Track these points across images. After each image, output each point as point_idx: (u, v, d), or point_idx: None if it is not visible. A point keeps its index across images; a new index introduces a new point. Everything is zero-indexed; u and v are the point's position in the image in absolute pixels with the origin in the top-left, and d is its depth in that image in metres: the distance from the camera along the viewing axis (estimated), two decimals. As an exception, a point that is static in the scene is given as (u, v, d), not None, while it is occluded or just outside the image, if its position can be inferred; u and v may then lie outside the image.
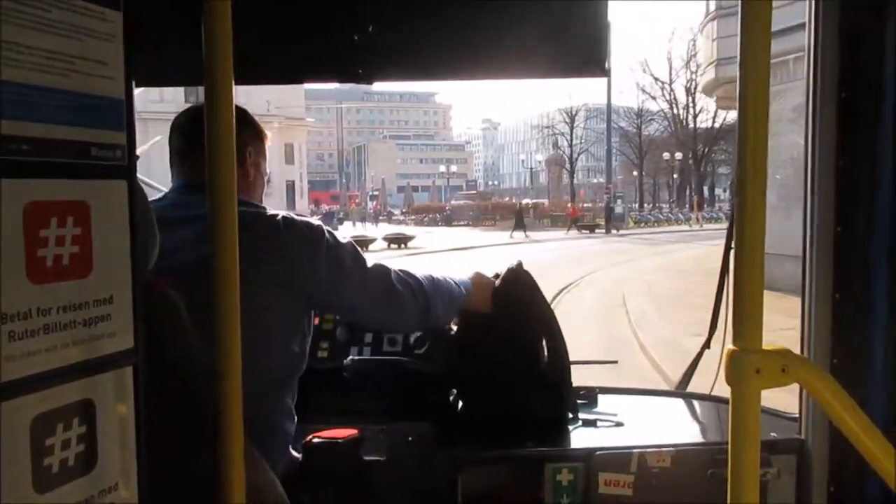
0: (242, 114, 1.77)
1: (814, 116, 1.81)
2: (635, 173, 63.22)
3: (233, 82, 0.91)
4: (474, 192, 78.71)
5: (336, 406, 1.94)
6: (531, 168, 74.49)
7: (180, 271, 1.19)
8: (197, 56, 0.89)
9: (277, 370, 1.72)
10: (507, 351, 2.07)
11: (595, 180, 79.28)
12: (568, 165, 64.69)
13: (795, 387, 1.85)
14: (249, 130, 1.82)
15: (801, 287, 1.85)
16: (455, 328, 2.19)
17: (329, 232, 1.79)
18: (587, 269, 17.51)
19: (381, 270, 1.84)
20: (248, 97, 27.83)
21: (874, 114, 1.74)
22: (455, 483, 1.89)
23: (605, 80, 39.05)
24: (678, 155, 54.40)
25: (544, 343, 2.12)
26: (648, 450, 1.91)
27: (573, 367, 2.15)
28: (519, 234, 34.68)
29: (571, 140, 63.47)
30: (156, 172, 2.29)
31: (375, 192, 69.16)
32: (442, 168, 78.18)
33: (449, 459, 1.92)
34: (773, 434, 1.94)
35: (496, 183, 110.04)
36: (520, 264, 2.14)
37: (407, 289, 1.85)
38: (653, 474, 1.89)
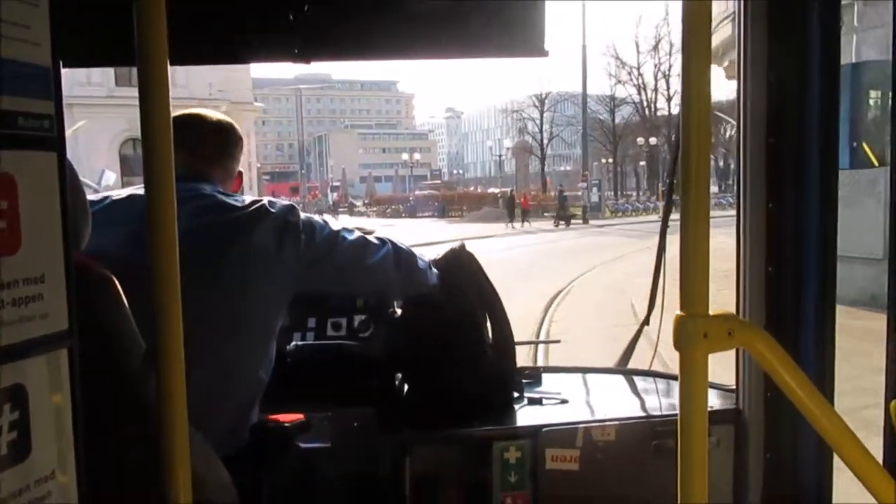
0: (237, 131, 1.88)
1: (744, 98, 1.88)
2: (604, 160, 60.68)
3: (167, 62, 0.88)
4: (439, 181, 76.23)
5: (279, 393, 1.92)
6: (500, 155, 68.83)
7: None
8: (128, 35, 0.87)
9: (252, 355, 1.69)
10: (451, 333, 2.08)
11: (562, 168, 77.60)
12: (538, 152, 61.34)
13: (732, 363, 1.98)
14: (238, 143, 1.90)
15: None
16: (399, 311, 2.19)
17: (303, 214, 1.79)
18: (575, 270, 14.21)
19: (360, 242, 1.85)
20: (189, 79, 26.25)
21: (800, 95, 1.81)
22: (402, 466, 1.91)
23: (580, 63, 38.95)
24: (653, 140, 52.12)
25: (488, 324, 2.13)
26: (593, 425, 1.96)
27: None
28: (516, 224, 32.55)
29: (542, 124, 60.00)
30: (80, 160, 2.22)
31: (337, 184, 66.05)
32: (405, 156, 72.64)
33: (395, 443, 1.93)
34: (711, 405, 2.00)
35: (460, 172, 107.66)
36: (462, 246, 2.15)
37: (387, 259, 1.87)
38: (598, 448, 1.95)
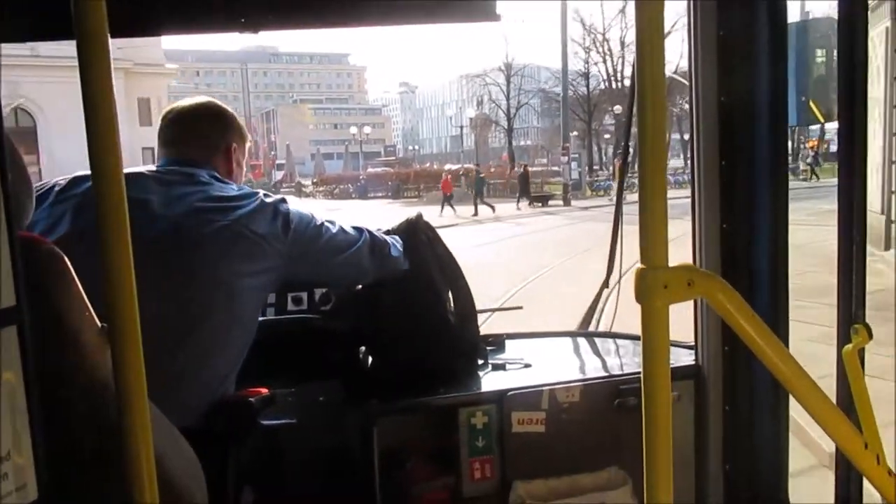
0: (231, 116, 1.92)
1: (695, 56, 1.91)
2: (574, 133, 53.01)
3: (108, 35, 0.85)
4: (393, 158, 72.29)
5: (243, 370, 1.90)
6: (461, 126, 60.79)
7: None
8: (66, 7, 0.83)
9: (241, 339, 1.70)
10: (413, 303, 2.08)
11: (523, 143, 71.24)
12: (502, 123, 55.68)
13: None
14: (235, 132, 1.91)
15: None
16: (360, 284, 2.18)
17: (292, 207, 1.82)
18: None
19: (340, 234, 1.87)
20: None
21: (748, 51, 1.84)
22: (370, 436, 1.91)
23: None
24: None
25: (450, 293, 2.14)
26: (557, 386, 1.99)
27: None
28: (524, 205, 28.26)
29: (508, 90, 53.94)
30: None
31: (282, 161, 60.38)
32: (353, 130, 65.57)
33: (361, 415, 1.93)
34: (672, 362, 2.04)
35: (416, 148, 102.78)
36: (419, 216, 2.15)
37: (365, 249, 1.91)
38: (563, 409, 1.98)
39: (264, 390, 1.67)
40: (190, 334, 1.55)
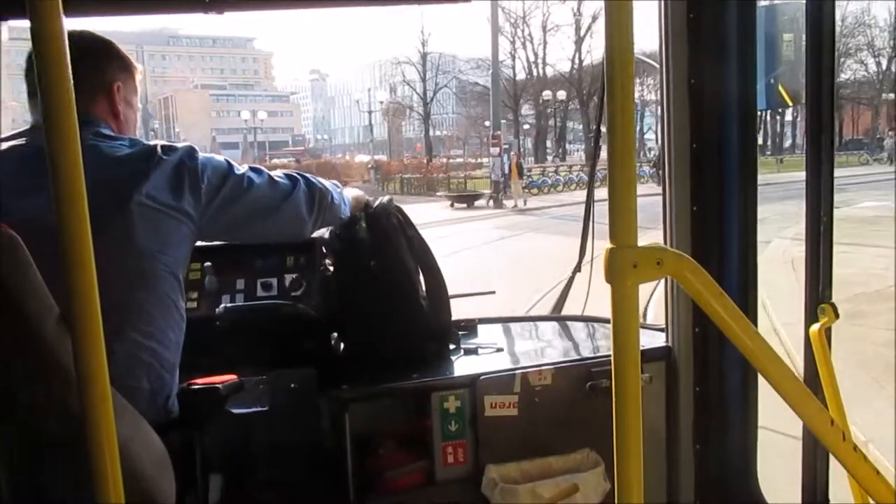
0: (107, 45, 1.62)
1: (666, 39, 1.91)
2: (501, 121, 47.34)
3: (61, 15, 0.82)
4: (302, 148, 68.22)
5: (211, 359, 1.87)
6: (369, 112, 50.38)
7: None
8: None
9: (161, 311, 1.53)
10: (384, 287, 2.07)
11: (438, 133, 64.07)
12: (417, 110, 51.17)
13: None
14: (116, 63, 1.63)
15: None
16: (331, 269, 2.16)
17: (203, 156, 1.63)
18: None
19: (269, 184, 1.72)
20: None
21: (718, 34, 1.85)
22: (342, 422, 1.90)
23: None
24: (561, 94, 44.82)
25: (421, 277, 2.13)
26: (530, 370, 1.99)
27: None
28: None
29: (424, 72, 49.38)
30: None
31: None
32: (245, 115, 58.32)
33: (333, 400, 1.92)
34: (642, 344, 2.06)
35: (325, 138, 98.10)
36: (390, 200, 2.13)
37: (299, 195, 1.76)
38: (535, 392, 1.98)
39: (233, 376, 1.65)
40: (112, 328, 1.40)
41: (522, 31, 47.61)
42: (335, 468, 1.92)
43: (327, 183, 1.87)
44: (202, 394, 1.59)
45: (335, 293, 2.11)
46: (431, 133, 58.26)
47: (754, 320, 1.87)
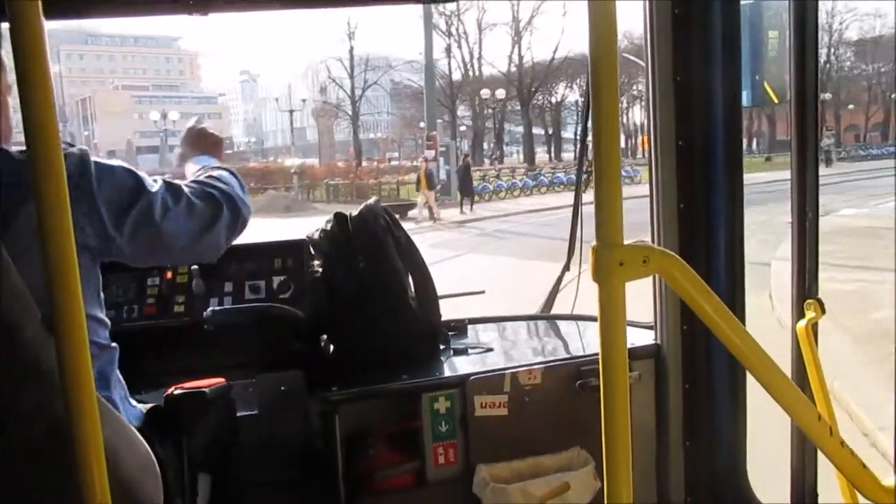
0: None
1: (651, 36, 1.91)
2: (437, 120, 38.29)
3: (41, 18, 0.81)
4: (230, 151, 55.24)
5: (200, 363, 1.86)
6: (290, 111, 45.62)
7: None
8: None
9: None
10: (373, 289, 2.07)
11: (371, 135, 61.75)
12: (346, 109, 46.67)
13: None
14: None
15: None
16: (319, 270, 2.16)
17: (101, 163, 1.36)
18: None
19: (185, 209, 1.47)
20: None
21: (703, 30, 1.86)
22: (332, 424, 1.89)
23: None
24: (500, 92, 41.30)
25: (410, 279, 2.14)
26: (520, 369, 1.99)
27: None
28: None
29: (352, 68, 44.67)
30: None
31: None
32: (154, 116, 50.56)
33: (323, 402, 1.91)
34: (632, 342, 2.08)
35: (252, 141, 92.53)
36: (377, 201, 2.14)
37: (215, 207, 1.52)
38: (525, 391, 1.99)
39: (220, 380, 1.65)
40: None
41: (457, 28, 44.56)
42: (326, 470, 1.92)
43: (241, 191, 1.61)
44: (188, 398, 1.58)
45: (324, 295, 2.10)
46: (366, 135, 56.29)
47: (742, 316, 1.88)
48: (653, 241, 1.98)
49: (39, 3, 0.79)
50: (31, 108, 0.81)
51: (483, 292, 2.82)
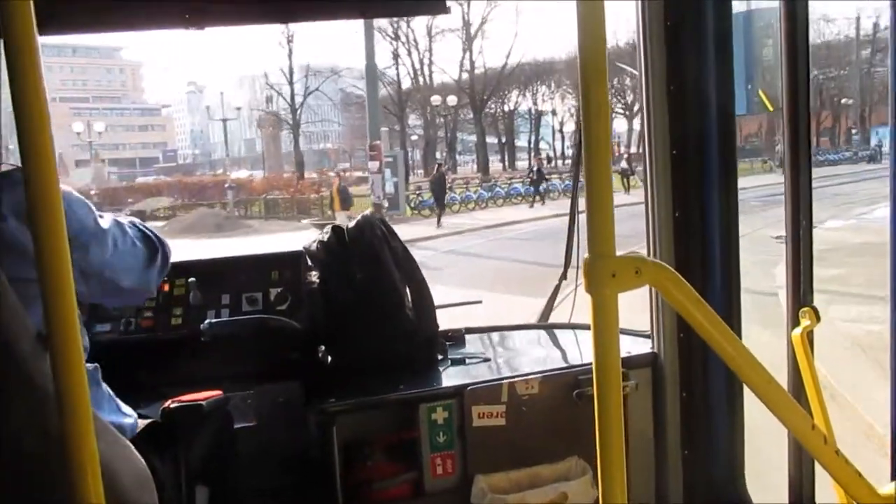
0: None
1: (644, 45, 1.92)
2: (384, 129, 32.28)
3: (35, 33, 0.81)
4: (174, 164, 60.80)
5: (198, 375, 1.86)
6: (224, 119, 43.68)
7: None
8: None
9: None
10: (370, 299, 2.07)
11: (318, 146, 58.76)
12: (287, 129, 43.91)
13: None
14: None
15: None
16: (316, 281, 2.16)
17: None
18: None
19: (133, 251, 1.46)
20: None
21: (696, 40, 1.87)
22: (330, 434, 1.89)
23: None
24: (451, 99, 38.83)
25: (408, 289, 2.14)
26: (517, 379, 1.99)
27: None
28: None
29: (291, 74, 41.56)
30: None
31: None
32: (78, 127, 45.98)
33: (320, 412, 1.91)
34: (628, 351, 2.08)
35: (199, 153, 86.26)
36: (373, 212, 2.15)
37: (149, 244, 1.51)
38: (523, 401, 1.98)
39: (217, 392, 1.65)
40: None
41: (407, 34, 41.50)
42: (323, 481, 1.91)
43: (157, 233, 1.57)
44: (184, 411, 1.58)
45: (321, 306, 2.11)
46: (317, 146, 53.79)
47: (738, 325, 1.88)
48: (648, 249, 1.98)
49: (34, 19, 0.80)
50: (25, 123, 0.81)
51: (480, 302, 2.82)
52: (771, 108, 2.67)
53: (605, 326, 0.86)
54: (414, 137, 45.67)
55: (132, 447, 1.20)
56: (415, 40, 41.70)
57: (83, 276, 1.31)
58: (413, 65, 42.77)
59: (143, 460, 1.21)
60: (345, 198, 18.67)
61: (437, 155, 43.27)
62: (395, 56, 41.61)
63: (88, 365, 1.40)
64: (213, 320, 2.06)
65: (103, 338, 2.05)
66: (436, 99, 39.39)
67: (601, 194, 0.86)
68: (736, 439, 1.98)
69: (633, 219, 2.47)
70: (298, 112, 43.25)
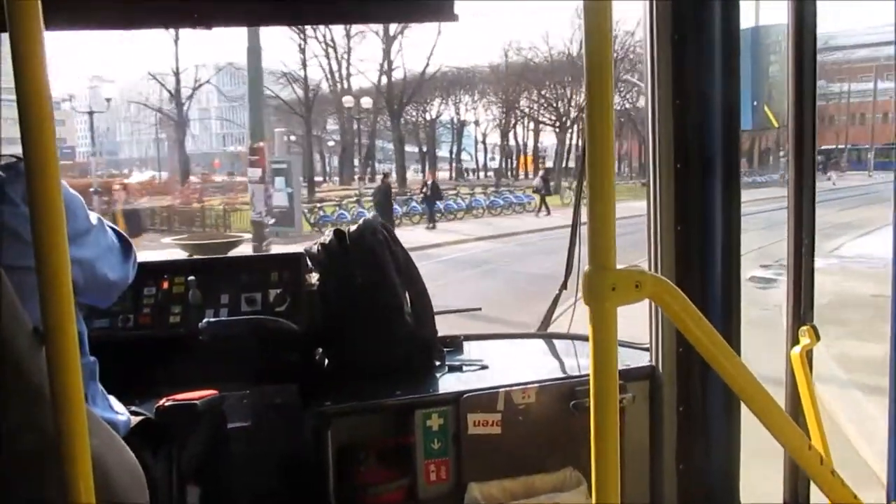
0: None
1: (651, 58, 1.92)
2: (288, 138, 29.88)
3: (42, 28, 0.81)
4: (70, 162, 49.15)
5: (194, 374, 1.85)
6: (90, 112, 36.02)
7: None
8: None
9: None
10: (369, 303, 2.07)
11: (233, 148, 51.66)
12: (213, 128, 41.35)
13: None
14: None
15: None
16: (316, 284, 2.16)
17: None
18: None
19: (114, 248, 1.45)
20: None
21: (702, 54, 1.87)
22: (324, 438, 1.89)
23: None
24: (366, 101, 36.97)
25: (407, 294, 2.14)
26: (514, 388, 1.99)
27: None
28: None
29: (178, 68, 36.63)
30: None
31: None
32: None
33: (316, 416, 1.91)
34: (627, 363, 2.07)
35: (98, 153, 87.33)
36: (375, 216, 2.15)
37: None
38: (519, 411, 1.98)
39: (213, 392, 1.64)
40: None
41: (324, 34, 37.07)
42: (317, 484, 1.91)
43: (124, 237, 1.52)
44: (179, 410, 1.58)
45: (320, 308, 2.10)
46: (231, 148, 47.56)
47: (737, 342, 1.88)
48: (650, 261, 1.98)
49: (41, 14, 0.80)
50: (28, 117, 0.81)
51: (480, 308, 2.82)
52: (776, 125, 2.67)
53: (603, 339, 0.86)
54: (331, 143, 43.10)
55: (125, 444, 1.19)
56: (332, 40, 37.66)
57: (81, 269, 1.30)
58: (329, 65, 38.84)
59: (135, 458, 1.21)
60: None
61: (355, 163, 40.79)
62: (301, 49, 36.92)
63: (88, 359, 1.42)
64: (212, 320, 2.05)
65: (101, 333, 2.04)
66: (348, 100, 36.15)
67: (603, 206, 0.86)
68: (732, 454, 1.98)
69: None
70: (186, 106, 38.94)
